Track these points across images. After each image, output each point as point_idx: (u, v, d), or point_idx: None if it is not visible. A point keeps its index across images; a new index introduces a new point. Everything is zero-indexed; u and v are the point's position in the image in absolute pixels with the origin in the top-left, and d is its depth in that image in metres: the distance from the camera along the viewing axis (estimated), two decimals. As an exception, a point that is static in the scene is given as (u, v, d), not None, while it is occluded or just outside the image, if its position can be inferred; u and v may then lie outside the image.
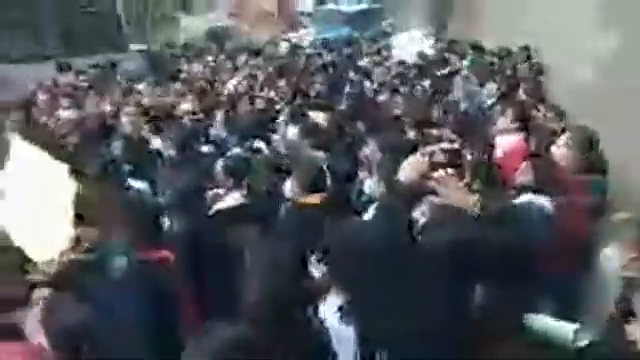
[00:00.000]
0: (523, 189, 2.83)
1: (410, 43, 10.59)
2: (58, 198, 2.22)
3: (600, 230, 2.75)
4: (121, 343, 1.83)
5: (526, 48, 7.72)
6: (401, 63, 9.18)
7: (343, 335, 2.16)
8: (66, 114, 5.50)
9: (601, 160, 3.56)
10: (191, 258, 2.37)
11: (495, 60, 8.23)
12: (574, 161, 3.21)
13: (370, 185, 3.69)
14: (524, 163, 3.03)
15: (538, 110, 4.84)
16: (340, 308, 2.22)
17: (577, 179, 3.13)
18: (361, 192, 3.78)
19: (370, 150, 3.87)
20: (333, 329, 2.11)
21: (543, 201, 2.73)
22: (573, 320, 2.14)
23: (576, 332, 2.01)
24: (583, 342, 1.95)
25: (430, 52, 10.04)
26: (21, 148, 2.43)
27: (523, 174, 2.94)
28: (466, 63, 7.61)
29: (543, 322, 2.16)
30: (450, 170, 2.13)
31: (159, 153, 4.29)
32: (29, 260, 2.07)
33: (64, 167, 2.32)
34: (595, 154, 3.38)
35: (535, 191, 2.79)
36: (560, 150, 3.27)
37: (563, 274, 2.72)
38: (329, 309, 2.28)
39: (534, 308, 2.41)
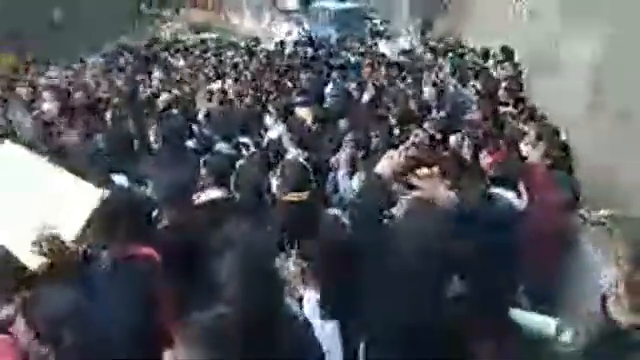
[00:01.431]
0: (493, 182, 2.91)
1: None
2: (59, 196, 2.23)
3: (573, 225, 2.83)
4: (103, 336, 1.84)
5: (506, 48, 7.85)
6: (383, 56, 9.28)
7: (324, 330, 2.19)
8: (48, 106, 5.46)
9: (567, 158, 3.69)
10: (174, 253, 2.38)
11: (477, 59, 8.36)
12: (540, 158, 3.36)
13: (347, 182, 3.76)
14: (495, 158, 3.14)
15: (515, 108, 4.97)
16: (321, 305, 2.25)
17: (544, 174, 3.24)
18: (336, 189, 3.86)
19: (349, 149, 3.95)
20: (315, 324, 2.13)
21: (510, 195, 2.82)
22: (553, 315, 2.16)
23: (558, 327, 2.03)
24: (566, 337, 1.96)
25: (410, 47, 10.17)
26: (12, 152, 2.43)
27: (494, 168, 3.05)
28: (449, 65, 7.72)
29: (525, 316, 2.21)
30: (427, 169, 2.20)
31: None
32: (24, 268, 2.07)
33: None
34: (559, 152, 3.53)
35: (504, 185, 2.88)
36: (527, 147, 3.42)
37: (539, 268, 2.80)
38: (309, 305, 2.31)
39: (513, 302, 2.48)
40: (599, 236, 2.57)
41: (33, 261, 2.06)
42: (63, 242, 2.09)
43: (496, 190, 2.82)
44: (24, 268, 2.07)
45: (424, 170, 2.31)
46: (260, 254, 1.91)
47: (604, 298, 1.62)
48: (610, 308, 1.59)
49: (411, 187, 2.31)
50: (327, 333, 2.19)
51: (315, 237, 2.43)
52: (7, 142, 2.62)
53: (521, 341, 2.21)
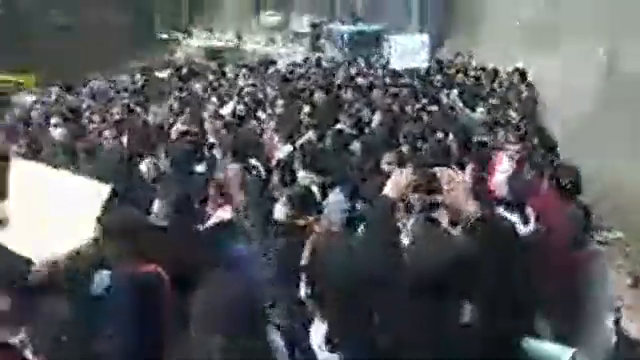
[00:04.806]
0: (498, 203, 2.88)
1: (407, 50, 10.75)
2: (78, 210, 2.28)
3: (587, 253, 2.78)
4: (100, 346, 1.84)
5: (517, 69, 7.86)
6: (395, 74, 9.31)
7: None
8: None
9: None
10: (179, 272, 2.39)
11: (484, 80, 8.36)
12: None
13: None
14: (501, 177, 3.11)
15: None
16: (327, 339, 2.19)
17: (552, 197, 3.17)
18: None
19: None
20: (320, 356, 2.09)
21: (515, 218, 2.79)
22: (568, 343, 2.12)
23: (573, 357, 1.98)
24: None
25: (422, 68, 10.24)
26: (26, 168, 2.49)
27: (499, 188, 3.02)
28: (455, 92, 7.74)
29: (539, 346, 2.14)
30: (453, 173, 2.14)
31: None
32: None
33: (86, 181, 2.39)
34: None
35: (509, 206, 2.85)
36: None
37: (553, 296, 2.75)
38: (316, 335, 2.27)
39: (527, 330, 2.42)
40: (611, 256, 2.53)
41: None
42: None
43: (502, 211, 2.80)
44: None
45: (449, 171, 2.25)
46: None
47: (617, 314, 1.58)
48: (624, 324, 1.55)
49: (432, 205, 2.27)
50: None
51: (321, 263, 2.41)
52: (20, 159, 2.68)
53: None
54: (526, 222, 2.83)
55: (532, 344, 2.17)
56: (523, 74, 7.76)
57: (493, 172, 3.86)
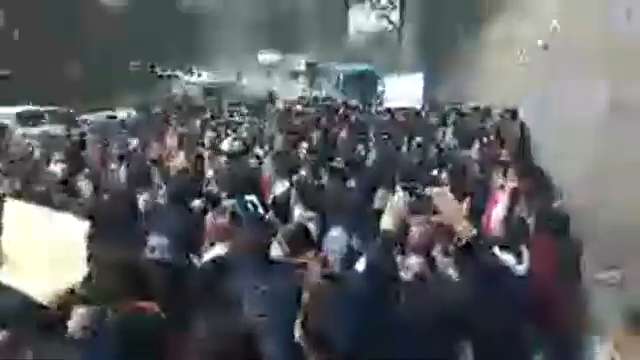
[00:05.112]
0: (494, 243, 2.90)
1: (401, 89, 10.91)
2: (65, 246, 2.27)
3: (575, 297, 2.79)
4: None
5: (509, 110, 8.04)
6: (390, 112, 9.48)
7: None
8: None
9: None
10: (176, 305, 2.38)
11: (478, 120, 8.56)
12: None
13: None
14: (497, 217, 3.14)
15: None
16: None
17: (544, 239, 3.19)
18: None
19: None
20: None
21: (510, 258, 2.81)
22: None
23: None
24: None
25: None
26: (17, 208, 2.50)
27: (495, 227, 3.05)
28: (450, 130, 7.91)
29: None
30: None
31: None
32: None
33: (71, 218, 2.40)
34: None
35: (503, 247, 2.87)
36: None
37: (546, 337, 2.75)
38: None
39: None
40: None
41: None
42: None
43: (497, 251, 2.82)
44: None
45: (441, 189, 2.25)
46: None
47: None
48: None
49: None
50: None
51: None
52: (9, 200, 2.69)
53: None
54: (520, 262, 2.85)
55: None
56: (514, 113, 7.95)
57: (490, 211, 3.88)
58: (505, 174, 4.33)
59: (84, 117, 12.74)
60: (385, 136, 7.92)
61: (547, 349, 2.69)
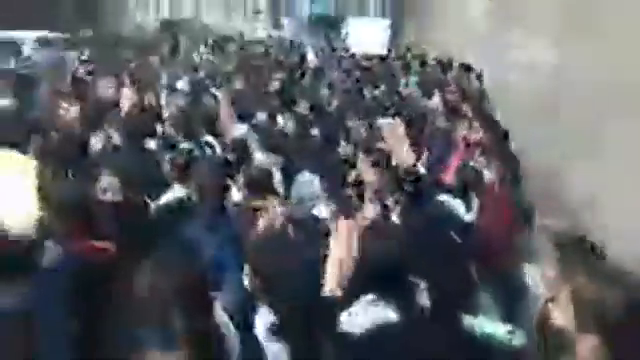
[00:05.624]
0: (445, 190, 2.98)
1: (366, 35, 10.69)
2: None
3: (523, 240, 2.92)
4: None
5: (463, 64, 8.07)
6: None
7: (273, 350, 2.13)
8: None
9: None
10: (130, 250, 2.34)
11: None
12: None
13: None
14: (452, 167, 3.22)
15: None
16: (272, 325, 2.17)
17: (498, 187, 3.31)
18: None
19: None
20: (264, 343, 2.09)
21: (458, 203, 2.91)
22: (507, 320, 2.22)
23: (510, 332, 2.08)
24: (518, 341, 2.01)
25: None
26: None
27: (449, 176, 3.13)
28: (413, 79, 7.89)
29: (479, 322, 2.23)
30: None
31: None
32: None
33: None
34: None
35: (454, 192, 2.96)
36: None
37: (487, 278, 2.89)
38: (260, 322, 2.25)
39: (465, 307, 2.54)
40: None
41: None
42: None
43: (445, 198, 2.90)
44: None
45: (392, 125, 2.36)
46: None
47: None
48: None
49: None
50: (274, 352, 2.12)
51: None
52: None
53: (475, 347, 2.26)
54: (469, 209, 2.95)
55: (472, 320, 2.30)
56: (468, 68, 8.02)
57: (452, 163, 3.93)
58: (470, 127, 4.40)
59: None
60: (348, 82, 7.84)
61: (492, 287, 2.84)
